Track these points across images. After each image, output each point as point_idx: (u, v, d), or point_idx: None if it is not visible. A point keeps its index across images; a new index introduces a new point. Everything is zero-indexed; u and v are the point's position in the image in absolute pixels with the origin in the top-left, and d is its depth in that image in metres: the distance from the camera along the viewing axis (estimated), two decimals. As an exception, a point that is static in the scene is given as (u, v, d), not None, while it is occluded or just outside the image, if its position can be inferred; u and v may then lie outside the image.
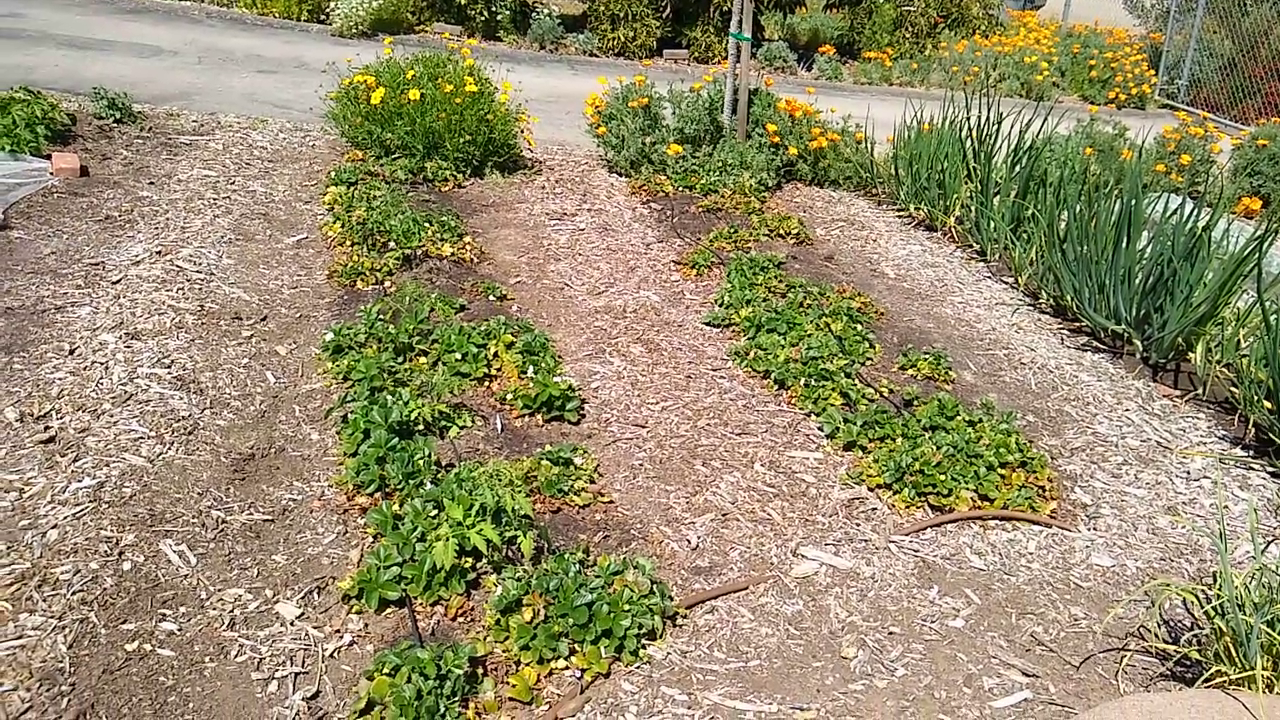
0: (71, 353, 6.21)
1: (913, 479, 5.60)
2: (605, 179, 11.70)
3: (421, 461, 5.14)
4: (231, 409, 5.91)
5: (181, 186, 9.66)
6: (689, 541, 5.11)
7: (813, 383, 6.66)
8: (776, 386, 6.82)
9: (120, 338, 6.44)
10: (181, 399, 5.86)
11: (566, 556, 4.51)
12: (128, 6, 18.94)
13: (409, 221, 8.57)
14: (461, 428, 5.82)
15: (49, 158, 9.54)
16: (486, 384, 6.44)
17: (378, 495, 5.09)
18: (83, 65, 13.69)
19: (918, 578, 4.95)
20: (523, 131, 11.59)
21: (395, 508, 4.86)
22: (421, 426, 5.63)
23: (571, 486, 5.30)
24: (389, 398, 5.67)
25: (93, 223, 8.46)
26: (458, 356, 6.44)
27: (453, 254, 8.42)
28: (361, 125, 10.89)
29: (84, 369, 6.02)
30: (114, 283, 7.29)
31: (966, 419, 6.26)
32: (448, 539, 4.42)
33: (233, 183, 10.00)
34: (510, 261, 8.81)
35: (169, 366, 6.19)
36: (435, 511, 4.70)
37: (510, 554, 4.66)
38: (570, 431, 6.07)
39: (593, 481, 5.48)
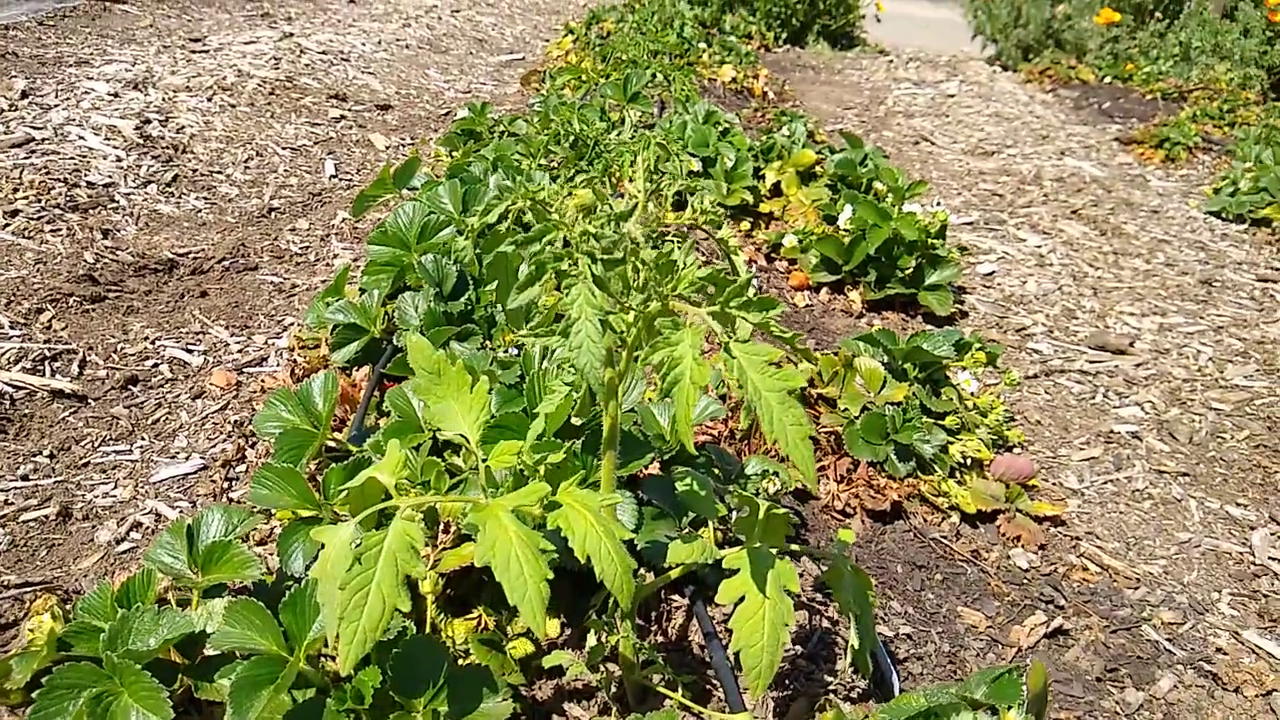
0: (24, 94, 3.44)
1: None
2: (983, 70, 7.81)
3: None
4: (212, 196, 2.83)
5: (385, 4, 7.01)
6: None
7: None
8: None
9: (119, 86, 3.60)
10: (121, 158, 2.86)
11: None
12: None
13: (671, 33, 5.25)
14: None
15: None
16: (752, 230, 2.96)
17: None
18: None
19: None
20: (867, -9, 8.01)
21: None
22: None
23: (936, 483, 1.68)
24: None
25: (238, 14, 5.89)
26: (691, 154, 2.98)
27: (734, 80, 5.00)
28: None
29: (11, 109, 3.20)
30: (192, 52, 4.56)
31: None
32: None
33: (456, 13, 7.23)
34: (826, 110, 5.26)
35: (149, 122, 3.23)
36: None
37: None
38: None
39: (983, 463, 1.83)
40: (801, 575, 1.35)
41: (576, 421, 1.15)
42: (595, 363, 0.78)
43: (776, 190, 3.23)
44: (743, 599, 0.97)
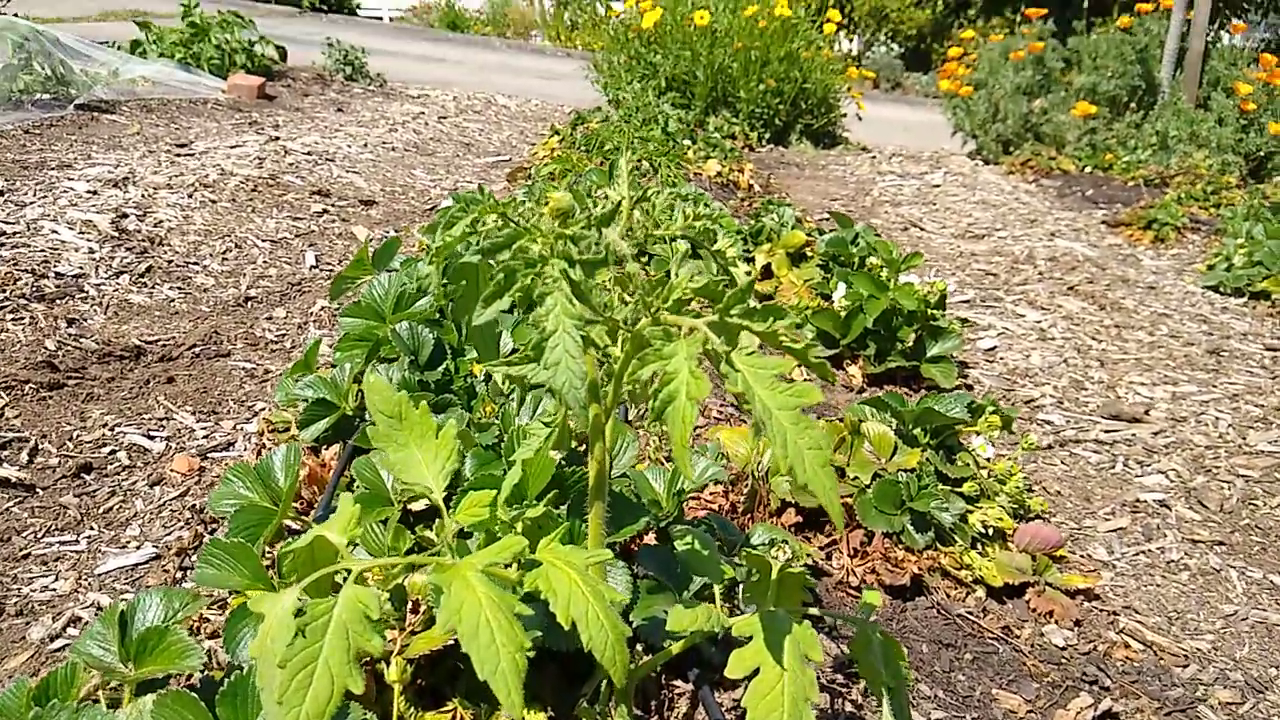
0: (2, 193, 3.39)
1: None
2: (965, 163, 7.92)
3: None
4: (187, 286, 2.74)
5: (372, 113, 7.10)
6: None
7: None
8: None
9: (99, 185, 3.55)
10: (94, 250, 2.78)
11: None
12: (431, 35, 18.05)
13: (656, 128, 5.30)
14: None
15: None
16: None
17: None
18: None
19: None
20: (847, 90, 8.17)
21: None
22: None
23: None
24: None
25: (226, 123, 5.94)
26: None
27: (720, 174, 5.02)
28: (627, 46, 8.01)
29: (-17, 207, 3.14)
30: (177, 155, 4.56)
31: None
32: None
33: (443, 120, 7.33)
34: (812, 201, 5.27)
35: (126, 216, 3.17)
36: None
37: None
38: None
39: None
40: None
41: (556, 455, 1.02)
42: (575, 380, 0.67)
43: (767, 272, 3.17)
44: (757, 671, 0.83)
